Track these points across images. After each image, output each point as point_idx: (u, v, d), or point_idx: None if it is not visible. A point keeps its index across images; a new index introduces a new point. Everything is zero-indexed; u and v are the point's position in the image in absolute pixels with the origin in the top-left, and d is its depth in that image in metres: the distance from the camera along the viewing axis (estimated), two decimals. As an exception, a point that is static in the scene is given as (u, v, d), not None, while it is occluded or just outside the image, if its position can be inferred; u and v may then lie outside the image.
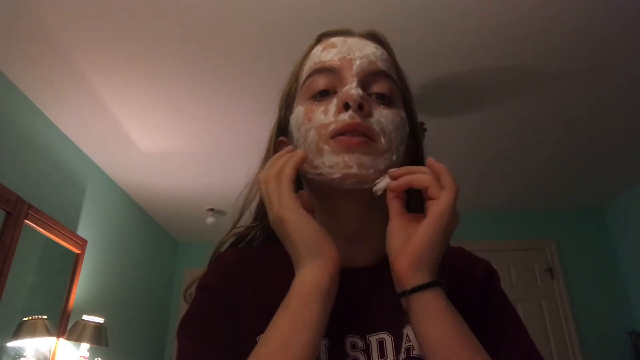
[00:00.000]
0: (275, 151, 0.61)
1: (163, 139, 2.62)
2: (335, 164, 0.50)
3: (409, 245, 0.46)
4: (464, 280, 0.55)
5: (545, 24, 1.82)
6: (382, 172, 0.51)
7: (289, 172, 0.48)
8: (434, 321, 0.43)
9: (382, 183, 0.50)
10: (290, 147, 0.53)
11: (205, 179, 3.11)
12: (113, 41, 1.88)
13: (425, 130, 2.05)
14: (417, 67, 2.02)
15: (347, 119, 0.50)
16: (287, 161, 0.49)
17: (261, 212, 0.61)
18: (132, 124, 2.46)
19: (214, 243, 0.61)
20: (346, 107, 0.51)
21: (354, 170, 0.49)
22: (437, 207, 0.45)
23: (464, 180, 3.18)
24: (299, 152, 0.50)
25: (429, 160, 0.48)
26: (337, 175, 0.50)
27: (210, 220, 3.51)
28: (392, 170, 0.49)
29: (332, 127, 0.51)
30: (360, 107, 0.50)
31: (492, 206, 3.68)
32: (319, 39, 0.60)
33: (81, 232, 2.65)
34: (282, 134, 0.61)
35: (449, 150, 2.78)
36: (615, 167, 3.04)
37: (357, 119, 0.50)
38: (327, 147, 0.51)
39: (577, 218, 3.69)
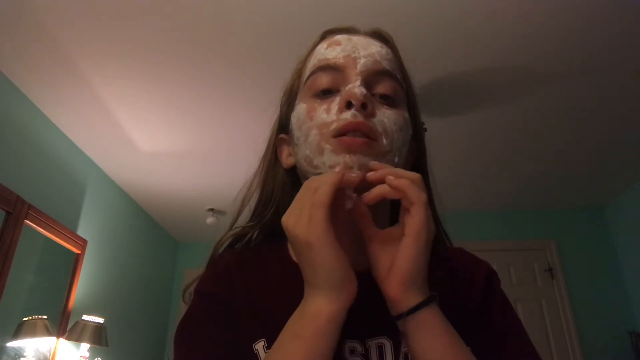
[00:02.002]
0: (275, 149, 0.61)
1: (163, 139, 2.62)
2: (335, 163, 0.49)
3: (394, 269, 0.45)
4: (464, 281, 0.55)
5: (546, 24, 1.82)
6: None
7: (324, 197, 0.43)
8: (431, 339, 0.43)
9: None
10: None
11: (205, 179, 3.11)
12: (113, 41, 1.88)
13: (425, 130, 2.05)
14: (417, 67, 2.00)
15: (350, 118, 0.49)
16: (324, 181, 0.45)
17: (258, 211, 0.60)
18: (132, 124, 2.46)
19: (214, 243, 0.61)
20: (348, 105, 0.50)
21: (355, 170, 0.48)
22: (412, 225, 0.44)
23: (464, 180, 3.20)
24: (338, 171, 0.46)
25: (388, 179, 0.45)
26: None
27: (210, 220, 3.51)
28: (370, 175, 0.47)
29: (334, 126, 0.50)
30: (363, 106, 0.49)
31: (492, 206, 3.68)
32: (323, 36, 0.59)
33: (81, 232, 2.65)
34: (283, 131, 0.60)
35: (449, 151, 2.78)
36: (615, 167, 3.04)
37: (360, 118, 0.49)
38: (328, 146, 0.50)
39: (577, 218, 3.69)
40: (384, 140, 0.50)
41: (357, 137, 0.49)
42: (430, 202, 0.60)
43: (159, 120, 2.44)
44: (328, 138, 0.50)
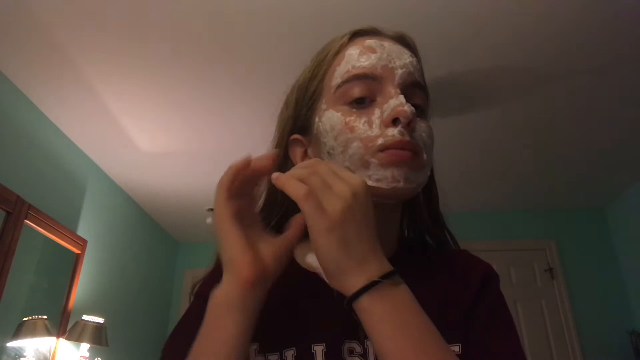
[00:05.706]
0: (287, 148, 0.60)
1: (163, 139, 2.62)
2: (383, 177, 0.49)
3: None
4: (462, 282, 0.55)
5: (546, 25, 1.82)
6: (421, 185, 0.53)
7: (224, 180, 0.46)
8: (371, 328, 0.41)
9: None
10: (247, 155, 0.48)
11: (205, 179, 3.11)
12: (113, 41, 1.88)
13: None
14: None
15: (398, 136, 0.50)
16: (229, 166, 0.47)
17: (265, 213, 0.59)
18: (132, 124, 2.46)
19: (214, 243, 0.61)
20: (395, 122, 0.50)
21: (401, 184, 0.49)
22: (306, 220, 0.43)
23: (464, 180, 3.20)
24: (243, 160, 0.46)
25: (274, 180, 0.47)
26: (384, 188, 0.50)
27: (210, 220, 3.50)
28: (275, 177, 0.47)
29: (380, 142, 0.50)
30: (408, 123, 0.50)
31: (492, 206, 3.68)
32: (350, 38, 0.58)
33: (81, 232, 2.65)
34: (297, 132, 0.59)
35: (449, 150, 2.78)
36: (615, 167, 3.04)
37: (407, 137, 0.50)
38: (374, 160, 0.50)
39: (577, 218, 3.69)
40: (424, 155, 0.52)
41: (404, 150, 0.50)
42: (435, 201, 0.62)
43: (159, 120, 2.44)
44: (374, 152, 0.50)
